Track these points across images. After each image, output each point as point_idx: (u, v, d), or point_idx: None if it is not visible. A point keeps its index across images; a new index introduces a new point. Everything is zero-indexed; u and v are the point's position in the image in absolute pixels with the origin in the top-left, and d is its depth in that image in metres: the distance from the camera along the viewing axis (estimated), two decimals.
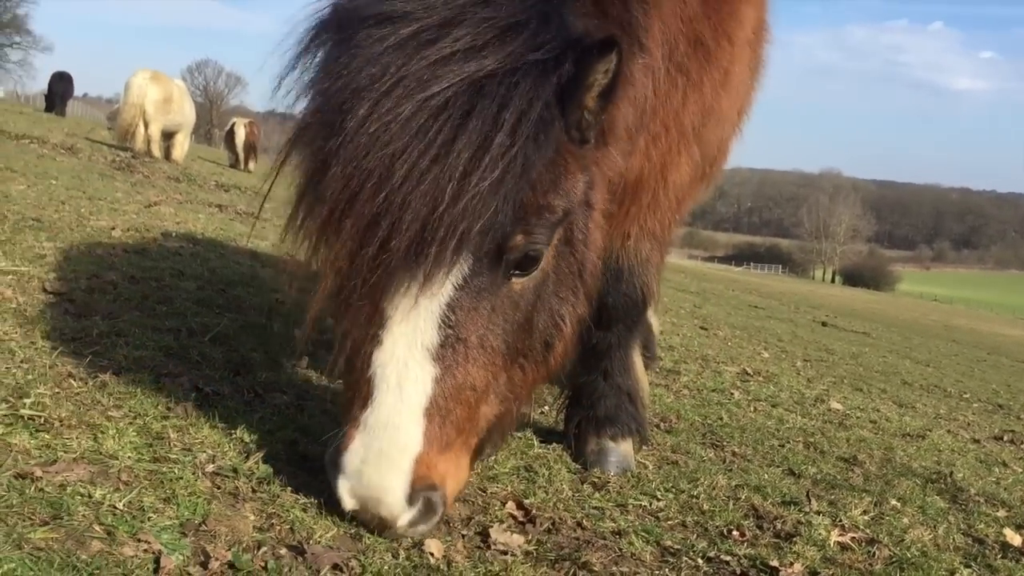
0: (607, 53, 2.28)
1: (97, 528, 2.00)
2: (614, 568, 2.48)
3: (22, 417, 2.50)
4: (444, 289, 2.27)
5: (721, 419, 4.72)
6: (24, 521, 1.94)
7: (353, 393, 2.34)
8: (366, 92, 2.16)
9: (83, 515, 2.04)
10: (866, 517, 3.30)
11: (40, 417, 2.53)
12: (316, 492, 2.45)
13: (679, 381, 5.73)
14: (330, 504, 2.37)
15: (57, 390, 2.80)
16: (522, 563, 2.38)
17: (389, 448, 2.23)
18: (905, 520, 3.37)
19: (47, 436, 2.44)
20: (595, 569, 2.44)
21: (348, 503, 2.29)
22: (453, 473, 2.37)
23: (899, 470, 4.31)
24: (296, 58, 2.38)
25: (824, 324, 17.56)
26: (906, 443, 5.20)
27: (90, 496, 2.13)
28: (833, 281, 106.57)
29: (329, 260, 2.27)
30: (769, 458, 4.05)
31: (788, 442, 4.47)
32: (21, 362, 2.99)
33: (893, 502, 3.61)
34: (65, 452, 2.36)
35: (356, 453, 2.26)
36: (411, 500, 2.25)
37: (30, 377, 2.84)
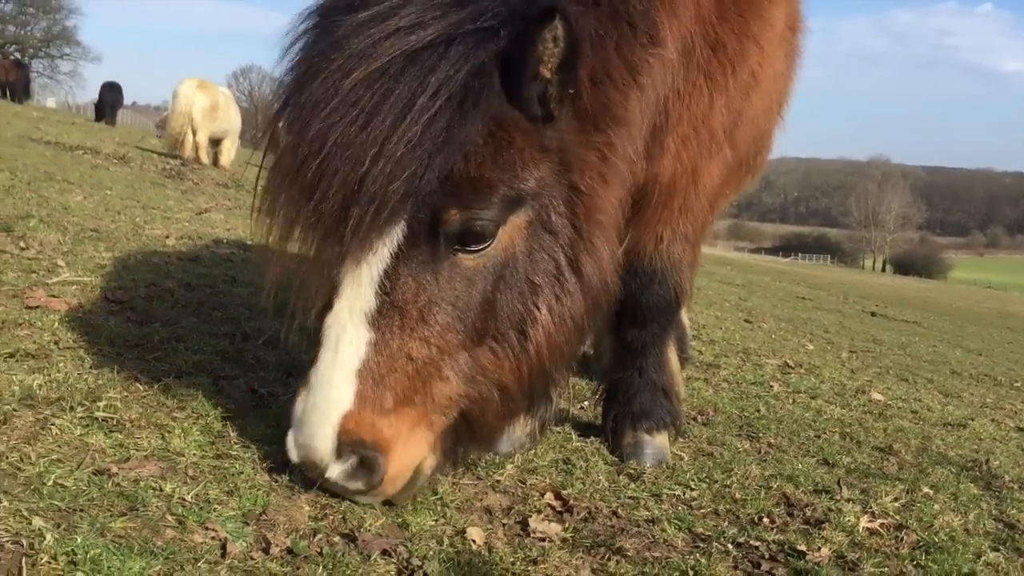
0: (549, 20, 2.30)
1: (169, 518, 2.20)
2: (647, 553, 2.62)
3: (97, 419, 2.72)
4: (381, 256, 2.37)
5: (758, 411, 4.82)
6: (104, 513, 2.15)
7: (312, 352, 2.50)
8: (317, 71, 2.32)
9: (156, 507, 2.24)
10: (897, 504, 3.39)
11: (113, 419, 2.75)
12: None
13: (719, 375, 5.83)
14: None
15: (126, 393, 3.02)
16: (559, 549, 2.54)
17: (321, 402, 2.38)
18: (936, 507, 3.45)
19: (120, 436, 2.65)
20: (629, 554, 2.58)
21: (292, 454, 2.45)
22: (400, 440, 2.42)
23: (935, 458, 4.37)
24: (284, 50, 2.52)
25: (873, 314, 17.39)
26: (946, 432, 5.23)
27: (161, 490, 2.34)
28: (884, 270, 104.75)
29: (275, 227, 2.44)
30: (804, 449, 4.15)
31: (824, 433, 4.56)
32: (91, 368, 3.22)
33: (925, 489, 3.69)
34: (137, 450, 2.57)
35: (299, 406, 2.44)
36: (339, 452, 2.38)
37: (100, 382, 3.06)
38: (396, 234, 2.37)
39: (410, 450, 2.47)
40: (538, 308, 2.56)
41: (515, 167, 2.42)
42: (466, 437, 2.63)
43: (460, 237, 2.41)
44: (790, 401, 5.35)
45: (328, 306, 2.44)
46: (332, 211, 2.27)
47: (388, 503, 2.57)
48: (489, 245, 2.45)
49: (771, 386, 5.74)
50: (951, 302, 33.98)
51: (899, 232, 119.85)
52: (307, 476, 2.50)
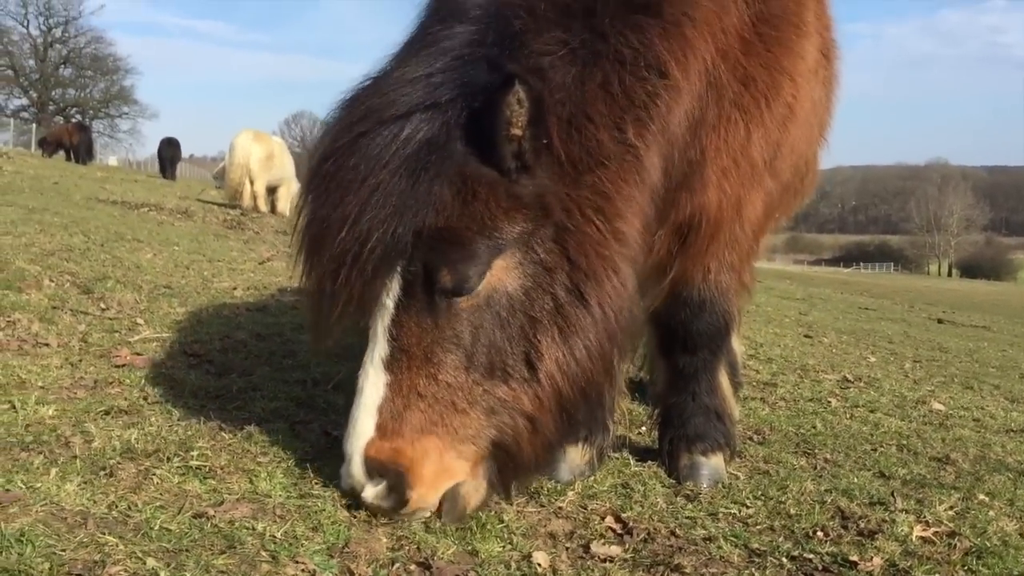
0: (509, 87, 2.57)
1: (264, 554, 2.44)
2: (704, 570, 2.76)
3: (191, 467, 2.99)
4: (387, 308, 2.73)
5: (815, 428, 4.90)
6: (207, 552, 2.39)
7: None
8: (333, 153, 2.72)
9: (251, 544, 2.48)
10: (951, 512, 3.47)
11: (205, 466, 3.01)
12: (435, 516, 2.83)
13: (776, 393, 5.91)
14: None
15: (214, 442, 3.28)
16: (620, 569, 2.70)
17: (351, 435, 2.76)
18: (991, 513, 3.52)
19: (213, 482, 2.91)
20: (687, 571, 2.73)
21: (342, 483, 2.86)
22: (422, 464, 2.71)
23: (992, 466, 4.41)
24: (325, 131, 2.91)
25: (940, 321, 17.14)
26: (1007, 439, 5.23)
27: (254, 529, 2.58)
28: (950, 274, 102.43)
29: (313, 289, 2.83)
30: (860, 463, 4.23)
31: (881, 446, 4.62)
32: (180, 420, 3.49)
33: (981, 496, 3.76)
34: (229, 494, 2.83)
35: (344, 442, 2.83)
36: (370, 476, 2.73)
37: (190, 433, 3.33)
38: (395, 287, 2.72)
39: (436, 473, 2.74)
40: (539, 341, 2.76)
41: (487, 220, 2.68)
42: (509, 465, 2.86)
43: (447, 284, 2.69)
44: (848, 416, 5.41)
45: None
46: (345, 276, 2.66)
47: (457, 527, 2.81)
48: (472, 289, 2.71)
49: (829, 402, 5.80)
50: (1023, 304, 33.15)
51: (963, 235, 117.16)
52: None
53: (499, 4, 2.84)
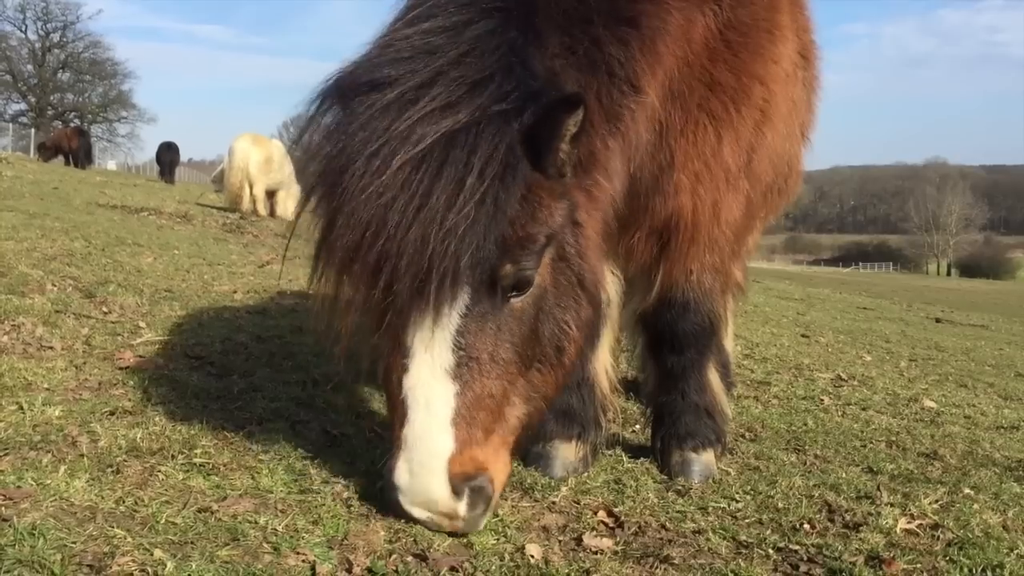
0: (575, 108, 2.64)
1: (266, 546, 2.53)
2: (692, 561, 2.85)
3: (195, 464, 3.09)
4: (452, 319, 2.66)
5: (806, 425, 4.99)
6: (211, 544, 2.49)
7: (393, 415, 2.79)
8: (359, 153, 2.54)
9: (254, 536, 2.57)
10: (935, 505, 3.55)
11: (209, 463, 3.11)
12: None
13: (769, 392, 6.00)
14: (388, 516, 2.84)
15: (216, 441, 3.38)
16: (610, 560, 2.79)
17: (427, 457, 2.66)
18: (975, 506, 3.60)
19: (216, 478, 3.01)
20: (675, 562, 2.82)
21: (417, 514, 2.73)
22: (494, 463, 2.77)
23: (980, 461, 4.50)
24: (305, 123, 2.77)
25: (938, 320, 17.21)
26: (996, 435, 5.31)
27: (257, 522, 2.67)
28: (949, 274, 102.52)
29: (346, 303, 2.74)
30: (850, 458, 4.31)
31: (870, 442, 4.70)
32: (183, 420, 3.58)
33: (967, 491, 3.84)
34: (232, 490, 2.92)
35: (403, 469, 2.70)
36: (457, 492, 2.66)
37: (193, 432, 3.43)
38: (463, 298, 2.66)
39: (502, 466, 2.85)
40: (569, 326, 2.93)
41: (545, 219, 2.75)
42: (523, 442, 3.06)
43: (512, 287, 2.74)
44: (839, 414, 5.49)
45: (403, 371, 2.72)
46: (405, 288, 2.54)
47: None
48: (531, 287, 2.79)
49: (822, 400, 5.88)
50: (1022, 303, 33.24)
51: (962, 234, 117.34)
52: (433, 528, 2.77)
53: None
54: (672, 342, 3.79)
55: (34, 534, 2.35)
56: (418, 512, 2.73)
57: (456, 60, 2.64)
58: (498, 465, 2.82)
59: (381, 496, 2.87)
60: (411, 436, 2.69)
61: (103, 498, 2.71)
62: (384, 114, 2.56)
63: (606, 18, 2.98)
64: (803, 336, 10.35)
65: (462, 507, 2.69)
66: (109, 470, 2.95)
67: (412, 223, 2.49)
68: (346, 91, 2.67)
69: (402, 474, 2.70)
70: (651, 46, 3.10)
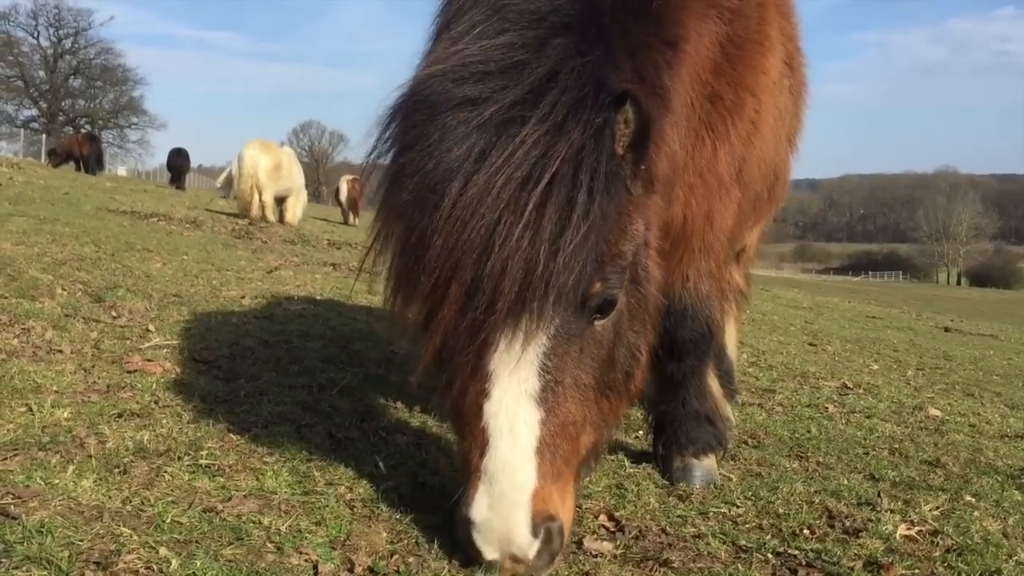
0: (622, 103, 2.54)
1: (269, 545, 2.58)
2: (692, 565, 2.88)
3: (201, 466, 3.13)
4: (541, 340, 2.53)
5: (809, 432, 5.01)
6: (216, 543, 2.53)
7: (469, 443, 2.59)
8: (458, 170, 2.42)
9: (257, 536, 2.62)
10: (936, 512, 3.58)
11: (214, 465, 3.15)
12: (432, 512, 2.95)
13: (774, 399, 6.02)
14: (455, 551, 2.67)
15: (222, 443, 3.42)
16: (610, 563, 2.82)
17: (510, 488, 2.48)
18: (976, 513, 3.62)
19: (221, 479, 3.05)
20: (675, 566, 2.85)
21: (488, 553, 2.50)
22: (564, 501, 2.60)
23: (982, 469, 4.51)
24: (382, 137, 2.64)
25: (947, 329, 17.21)
26: (1001, 444, 5.32)
27: (260, 522, 2.72)
28: (959, 283, 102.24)
29: (436, 322, 2.53)
30: (852, 465, 4.34)
31: (873, 450, 4.73)
32: (189, 422, 3.63)
33: (968, 498, 3.86)
34: (237, 491, 2.96)
35: (482, 500, 2.49)
36: (535, 532, 2.47)
37: (199, 434, 3.47)
38: (557, 319, 2.55)
39: (570, 504, 2.70)
40: (640, 351, 2.87)
41: (633, 235, 2.70)
42: (581, 471, 2.88)
43: (598, 308, 2.64)
44: (843, 421, 5.51)
45: (484, 396, 2.55)
46: (506, 308, 2.42)
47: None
48: (614, 308, 2.70)
49: (826, 408, 5.90)
50: None
51: (972, 244, 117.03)
52: (501, 570, 2.54)
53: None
54: (672, 350, 3.82)
55: (42, 532, 2.41)
56: (489, 552, 2.50)
57: (547, 77, 2.54)
58: (567, 505, 2.64)
59: (451, 532, 2.67)
60: (494, 466, 2.50)
61: (110, 497, 2.75)
62: (481, 131, 2.46)
63: (659, 43, 2.97)
64: (810, 344, 10.37)
65: (534, 549, 2.48)
66: (116, 470, 2.99)
67: (520, 243, 2.38)
68: (430, 106, 2.55)
69: (480, 508, 2.50)
70: (679, 69, 3.11)
